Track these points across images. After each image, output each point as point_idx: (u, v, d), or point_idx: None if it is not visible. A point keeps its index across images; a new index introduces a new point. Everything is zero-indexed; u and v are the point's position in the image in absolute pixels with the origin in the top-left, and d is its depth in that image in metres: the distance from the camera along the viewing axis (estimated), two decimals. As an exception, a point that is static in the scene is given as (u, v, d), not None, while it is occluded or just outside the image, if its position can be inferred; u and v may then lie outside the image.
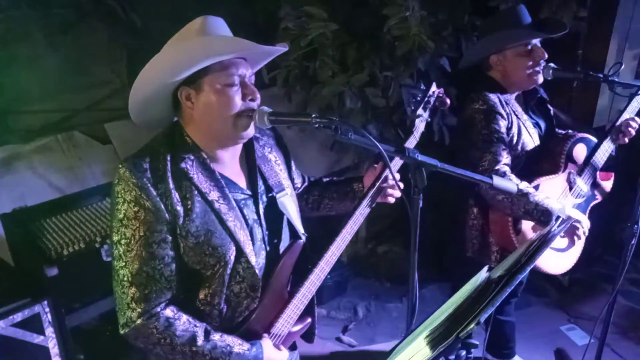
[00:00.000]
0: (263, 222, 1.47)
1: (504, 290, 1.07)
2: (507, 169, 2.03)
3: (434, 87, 1.78)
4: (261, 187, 1.49)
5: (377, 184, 1.58)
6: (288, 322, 1.50)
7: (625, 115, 2.21)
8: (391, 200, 1.62)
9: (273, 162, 1.55)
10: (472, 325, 1.03)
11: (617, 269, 2.10)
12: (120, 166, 1.29)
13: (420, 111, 1.72)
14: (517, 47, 2.13)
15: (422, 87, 1.78)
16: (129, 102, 1.34)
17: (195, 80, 1.31)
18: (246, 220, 1.41)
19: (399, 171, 1.62)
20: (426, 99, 1.75)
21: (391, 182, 1.60)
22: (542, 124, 2.31)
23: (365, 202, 1.55)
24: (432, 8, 2.76)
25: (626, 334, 3.01)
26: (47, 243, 2.20)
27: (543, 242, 1.23)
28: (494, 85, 2.19)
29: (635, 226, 2.03)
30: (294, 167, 1.69)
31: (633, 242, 2.04)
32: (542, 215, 1.98)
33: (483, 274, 1.24)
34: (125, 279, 1.29)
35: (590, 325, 2.98)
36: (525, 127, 2.19)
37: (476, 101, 2.13)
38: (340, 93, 2.79)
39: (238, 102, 1.33)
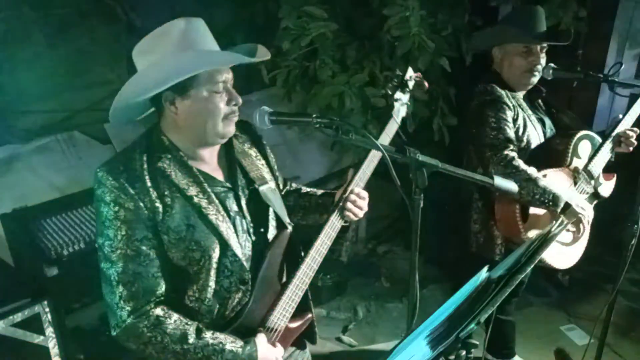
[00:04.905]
0: (246, 214, 1.48)
1: (504, 290, 1.07)
2: (515, 154, 2.06)
3: (410, 71, 1.77)
4: (242, 181, 1.50)
5: (347, 192, 1.57)
6: (284, 315, 1.49)
7: (628, 118, 2.22)
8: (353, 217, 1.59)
9: (254, 157, 1.57)
10: (472, 325, 1.04)
11: (617, 269, 2.10)
12: (97, 170, 1.33)
13: (398, 95, 1.71)
14: (516, 45, 2.16)
15: (398, 72, 1.77)
16: (111, 107, 1.35)
17: (182, 88, 1.32)
18: (228, 213, 1.42)
19: (399, 171, 1.62)
20: (403, 82, 1.74)
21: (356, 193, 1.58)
22: (547, 121, 2.33)
23: (338, 210, 1.55)
24: (432, 8, 2.77)
25: (626, 334, 3.01)
26: (47, 243, 2.20)
27: (543, 242, 1.23)
28: (498, 79, 2.22)
29: (635, 226, 2.03)
30: (276, 168, 1.69)
31: (633, 242, 2.05)
32: (551, 201, 2.00)
33: (483, 274, 1.23)
34: (112, 278, 1.31)
35: (590, 325, 2.97)
36: (531, 121, 2.21)
37: (484, 92, 2.17)
38: (340, 93, 2.79)
39: (223, 108, 1.36)
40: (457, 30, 2.95)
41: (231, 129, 1.40)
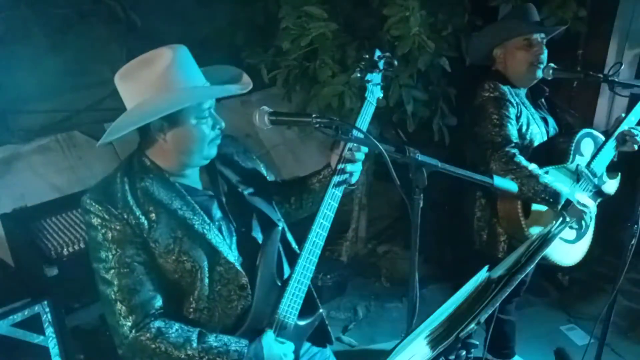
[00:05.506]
0: (232, 219, 1.51)
1: (504, 290, 1.07)
2: (516, 151, 2.06)
3: (378, 52, 1.76)
4: (224, 187, 1.54)
5: (341, 157, 1.55)
6: (290, 312, 1.49)
7: (632, 116, 2.23)
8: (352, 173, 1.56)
9: (235, 164, 1.60)
10: (472, 325, 1.03)
11: (617, 269, 2.10)
12: (82, 198, 1.38)
13: (370, 76, 1.70)
14: (516, 40, 2.18)
15: (366, 55, 1.76)
16: (102, 139, 1.37)
17: (172, 117, 1.36)
18: (214, 220, 1.46)
19: (399, 171, 1.61)
20: (372, 63, 1.72)
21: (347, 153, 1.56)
22: (550, 120, 2.33)
23: (336, 177, 1.53)
24: (432, 8, 2.76)
25: (626, 334, 3.01)
26: (47, 243, 2.20)
27: (544, 242, 1.23)
28: (501, 78, 2.23)
29: (635, 226, 2.03)
30: (265, 174, 1.70)
31: (633, 242, 2.04)
32: (552, 197, 2.00)
33: (483, 274, 1.24)
34: (111, 297, 1.35)
35: (590, 325, 2.97)
36: (534, 119, 2.22)
37: (487, 89, 2.17)
38: (340, 93, 2.79)
39: (209, 133, 1.42)
40: (457, 30, 2.95)
41: (215, 151, 1.46)
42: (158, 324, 1.36)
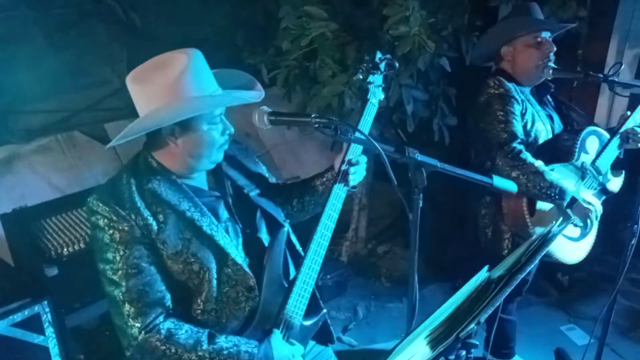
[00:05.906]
0: (238, 220, 1.52)
1: (504, 290, 1.07)
2: (522, 147, 2.06)
3: (379, 54, 1.78)
4: (230, 189, 1.55)
5: (345, 160, 1.57)
6: (296, 312, 1.50)
7: (636, 115, 2.23)
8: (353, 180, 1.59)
9: (240, 166, 1.62)
10: (472, 325, 1.04)
11: (617, 269, 2.10)
12: (88, 200, 1.37)
13: (372, 78, 1.72)
14: (526, 38, 2.18)
15: (367, 57, 1.78)
16: (114, 141, 1.38)
17: (185, 122, 1.36)
18: (220, 221, 1.46)
19: (399, 171, 1.62)
20: (374, 65, 1.75)
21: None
22: (556, 118, 2.33)
23: (340, 178, 1.55)
24: (432, 8, 2.76)
25: (626, 334, 3.01)
26: (47, 243, 2.20)
27: (544, 242, 1.23)
28: (506, 76, 2.23)
29: (635, 226, 2.03)
30: (267, 176, 1.71)
31: (633, 242, 2.04)
32: (557, 195, 2.00)
33: (483, 274, 1.23)
34: (119, 298, 1.34)
35: (590, 325, 2.97)
36: (539, 116, 2.22)
37: (492, 86, 2.17)
38: (340, 93, 2.79)
39: (219, 138, 1.43)
40: (457, 30, 2.95)
41: (222, 156, 1.47)
42: (168, 325, 1.35)
